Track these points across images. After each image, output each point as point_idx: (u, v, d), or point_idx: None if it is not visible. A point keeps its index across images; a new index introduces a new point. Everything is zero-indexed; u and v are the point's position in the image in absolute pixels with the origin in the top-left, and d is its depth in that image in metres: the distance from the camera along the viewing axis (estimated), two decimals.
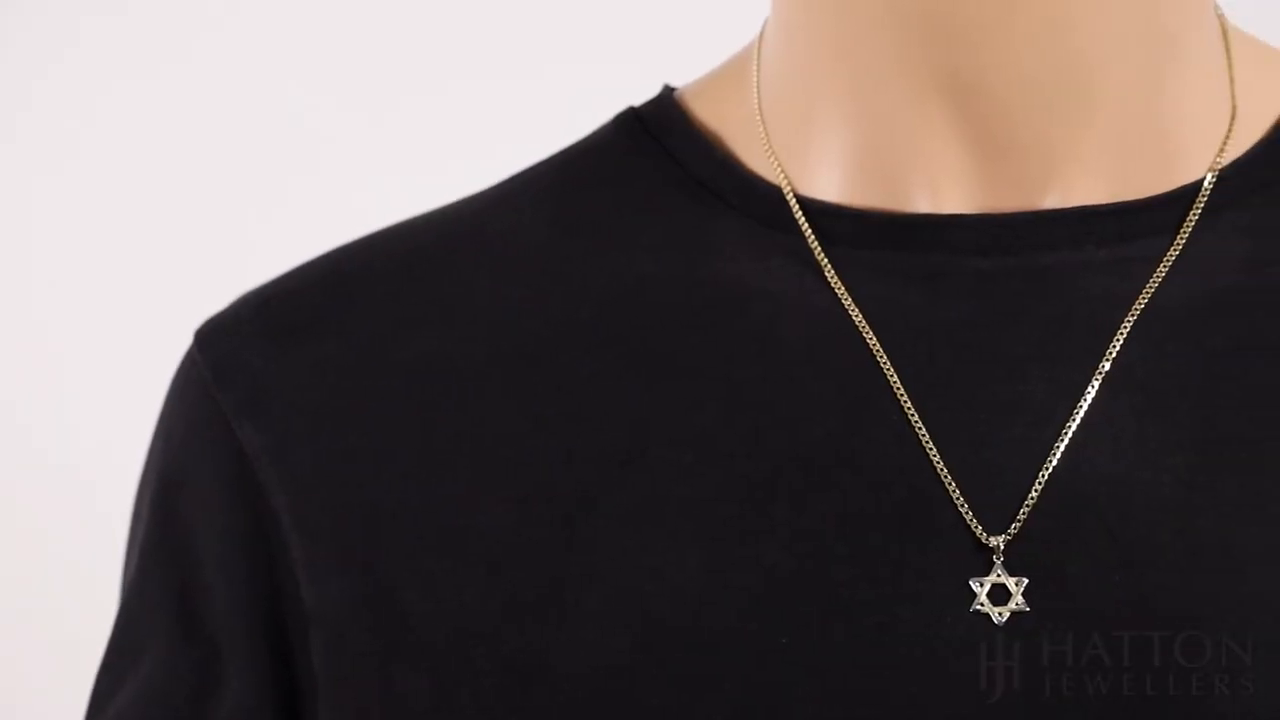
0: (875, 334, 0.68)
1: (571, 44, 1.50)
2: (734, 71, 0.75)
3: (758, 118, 0.73)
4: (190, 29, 1.41)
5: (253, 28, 1.37)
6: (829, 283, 0.70)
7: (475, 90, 1.50)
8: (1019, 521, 0.66)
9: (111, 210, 1.47)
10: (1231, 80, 0.71)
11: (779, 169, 0.71)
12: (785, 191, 0.71)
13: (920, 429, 0.67)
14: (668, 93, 0.76)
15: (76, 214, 1.47)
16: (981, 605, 0.65)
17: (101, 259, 1.50)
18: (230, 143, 1.45)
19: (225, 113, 1.43)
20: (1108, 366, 0.67)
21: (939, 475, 0.66)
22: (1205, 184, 0.69)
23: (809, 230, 0.70)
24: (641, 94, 0.77)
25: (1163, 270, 0.68)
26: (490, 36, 1.50)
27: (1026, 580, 0.65)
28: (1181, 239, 0.69)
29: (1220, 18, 0.72)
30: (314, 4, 1.40)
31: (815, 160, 0.71)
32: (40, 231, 1.49)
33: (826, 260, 0.70)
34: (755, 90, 0.73)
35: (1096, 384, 0.67)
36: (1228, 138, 0.70)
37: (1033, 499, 0.66)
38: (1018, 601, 0.65)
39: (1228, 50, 0.72)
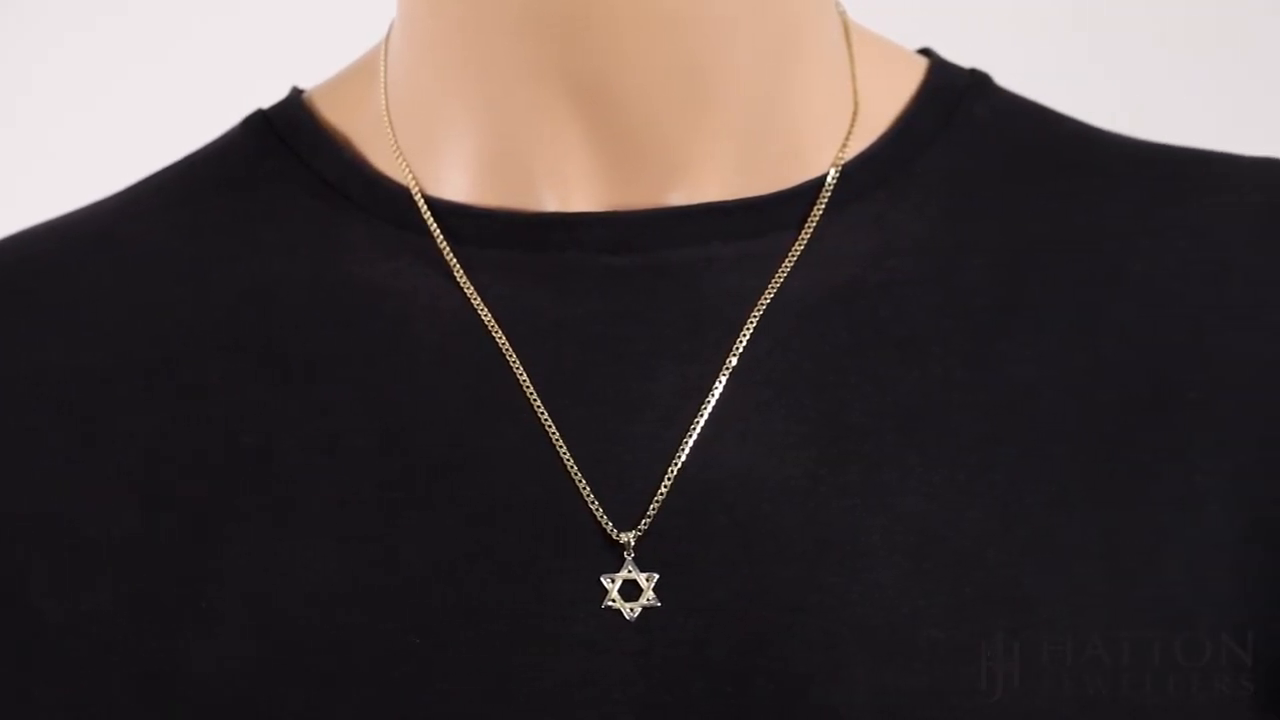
0: (504, 333, 0.68)
1: None
2: (362, 71, 0.74)
3: (385, 118, 0.72)
4: (189, 21, 1.38)
5: (254, 20, 1.34)
6: (458, 283, 0.69)
7: None
8: (649, 518, 0.66)
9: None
10: (853, 77, 0.72)
11: (407, 169, 0.71)
12: (413, 192, 0.71)
13: (550, 427, 0.67)
14: (296, 94, 0.76)
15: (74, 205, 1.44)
16: (613, 602, 0.65)
17: None
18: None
19: (226, 109, 1.42)
20: (734, 362, 0.68)
21: (569, 473, 0.66)
22: (829, 179, 0.70)
23: (437, 230, 0.70)
24: None
25: (788, 265, 0.69)
26: None
27: (657, 576, 0.65)
28: (806, 234, 0.70)
29: (842, 14, 0.73)
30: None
31: (443, 160, 0.70)
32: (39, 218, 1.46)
33: (455, 260, 0.70)
34: (383, 90, 0.73)
35: (724, 379, 0.67)
36: (850, 133, 0.71)
37: (662, 495, 0.66)
38: (649, 597, 0.65)
39: (849, 48, 0.73)
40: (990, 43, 1.24)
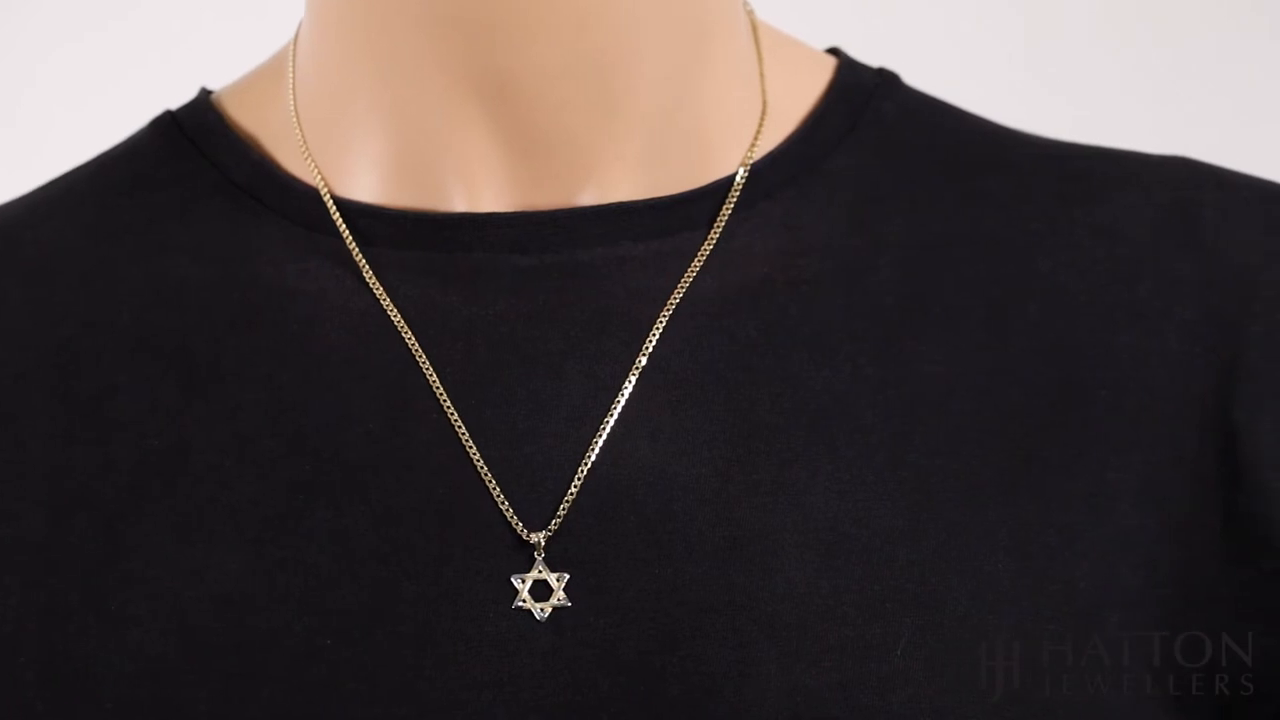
0: (414, 333, 0.68)
1: None
2: (271, 71, 0.74)
3: (294, 119, 0.72)
4: (190, 23, 1.37)
5: (255, 21, 1.33)
6: (368, 284, 0.69)
7: None
8: (559, 517, 0.66)
9: None
10: (762, 76, 0.72)
11: (316, 170, 0.71)
12: (322, 193, 0.70)
13: (460, 427, 0.67)
14: (204, 95, 0.75)
15: None
16: (523, 602, 0.65)
17: None
18: None
19: None
20: (644, 361, 0.68)
21: (479, 473, 0.66)
22: (737, 178, 0.70)
23: (347, 232, 0.70)
24: None
25: (697, 264, 0.69)
26: None
27: (568, 576, 0.65)
28: (715, 233, 0.70)
29: (750, 14, 0.74)
30: None
31: (352, 161, 0.70)
32: None
33: (364, 261, 0.69)
34: (291, 90, 0.72)
35: (634, 379, 0.67)
36: (759, 132, 0.71)
37: (572, 494, 0.66)
38: (559, 597, 0.65)
39: (758, 48, 0.73)
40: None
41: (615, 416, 0.67)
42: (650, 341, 0.68)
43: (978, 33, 1.33)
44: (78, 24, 1.35)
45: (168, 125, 0.74)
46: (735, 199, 0.70)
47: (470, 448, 0.66)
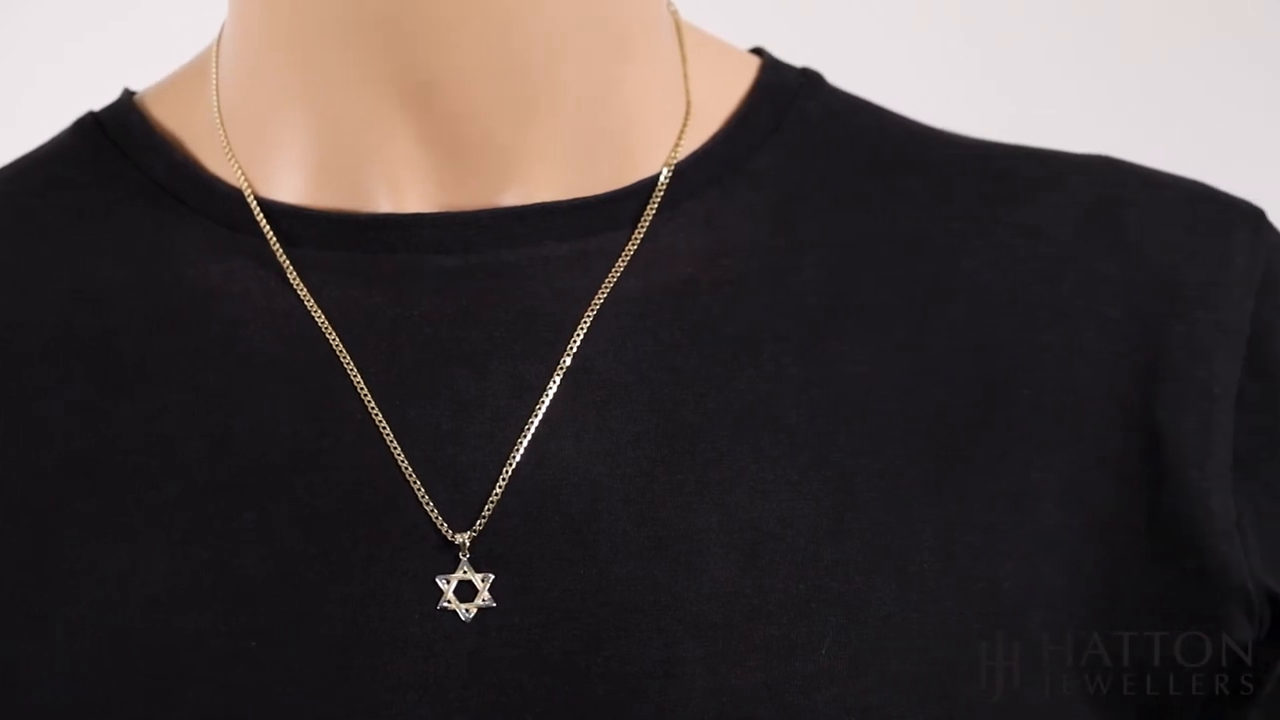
0: (338, 334, 0.68)
1: None
2: (195, 72, 0.74)
3: (218, 119, 0.72)
4: (191, 24, 1.36)
5: None
6: (292, 284, 0.69)
7: None
8: (484, 518, 0.66)
9: None
10: (686, 76, 0.72)
11: (239, 171, 0.70)
12: (246, 194, 0.70)
13: (384, 428, 0.67)
14: (127, 96, 0.75)
15: None
16: (448, 603, 0.65)
17: None
18: None
19: None
20: (568, 361, 0.68)
21: (404, 474, 0.66)
22: (661, 178, 0.70)
23: (270, 232, 0.69)
24: None
25: (621, 264, 0.69)
26: None
27: (493, 576, 0.65)
28: (639, 233, 0.70)
29: (674, 14, 0.74)
30: None
31: (277, 162, 0.70)
32: None
33: (289, 262, 0.69)
34: (214, 91, 0.72)
35: (558, 379, 0.67)
36: (683, 132, 0.71)
37: (497, 495, 0.66)
38: (484, 598, 0.65)
39: (681, 48, 0.73)
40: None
41: (540, 417, 0.67)
42: (575, 342, 0.68)
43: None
44: (78, 24, 1.35)
45: (90, 127, 0.74)
46: (659, 199, 0.70)
47: (395, 448, 0.66)
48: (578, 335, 0.68)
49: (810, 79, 0.75)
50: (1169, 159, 0.78)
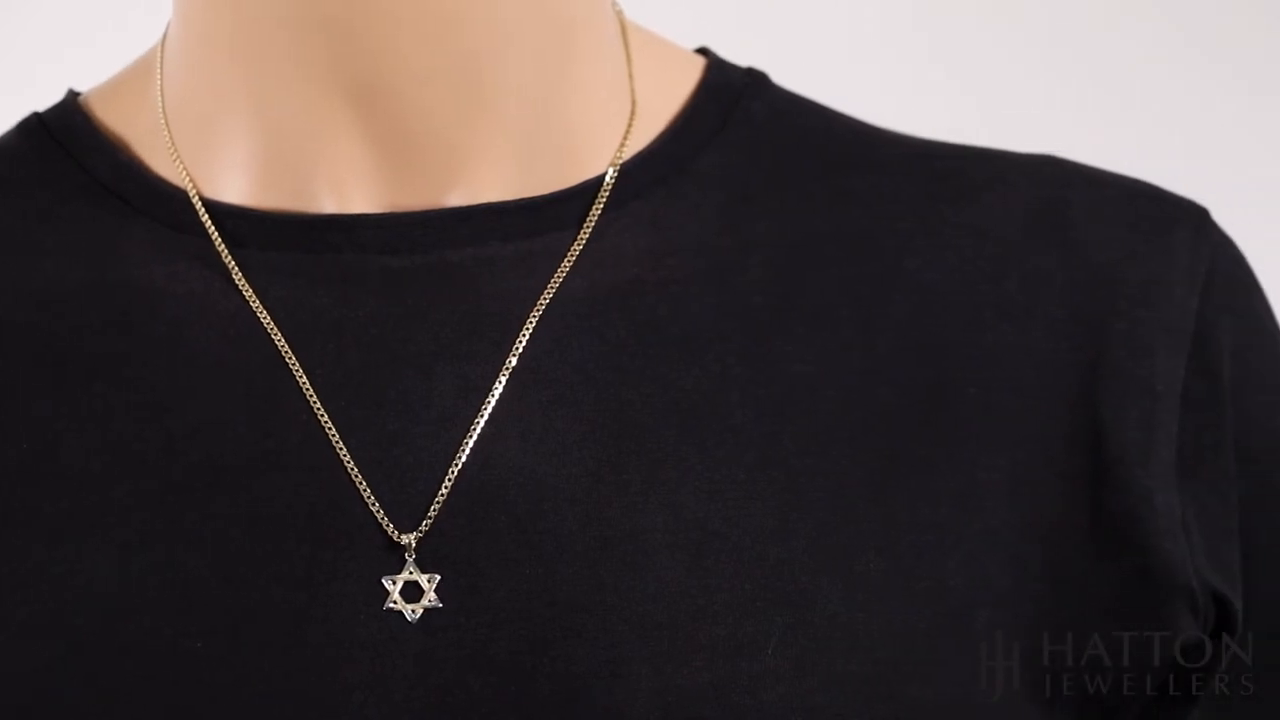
0: (283, 335, 0.68)
1: None
2: (139, 72, 0.74)
3: (163, 120, 0.71)
4: None
5: None
6: (237, 285, 0.69)
7: None
8: (430, 519, 0.66)
9: None
10: (631, 76, 0.72)
11: (184, 172, 0.70)
12: (191, 194, 0.70)
13: (330, 429, 0.67)
14: (72, 97, 0.75)
15: None
16: (394, 604, 0.65)
17: None
18: None
19: None
20: (514, 362, 0.68)
21: (350, 475, 0.66)
22: (607, 178, 0.70)
23: (215, 233, 0.69)
24: None
25: (567, 265, 0.69)
26: None
27: (439, 577, 0.65)
28: (585, 233, 0.70)
29: (619, 14, 0.74)
30: None
31: (221, 163, 0.70)
32: None
33: (234, 263, 0.69)
34: (159, 91, 0.72)
35: (504, 379, 0.67)
36: (629, 132, 0.71)
37: (443, 495, 0.66)
38: (430, 598, 0.65)
39: (627, 48, 0.73)
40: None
41: (485, 417, 0.67)
42: (520, 342, 0.68)
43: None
44: (78, 24, 1.34)
45: (35, 127, 0.74)
46: (605, 199, 0.70)
47: (340, 449, 0.66)
48: (523, 336, 0.68)
49: (755, 79, 0.75)
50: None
